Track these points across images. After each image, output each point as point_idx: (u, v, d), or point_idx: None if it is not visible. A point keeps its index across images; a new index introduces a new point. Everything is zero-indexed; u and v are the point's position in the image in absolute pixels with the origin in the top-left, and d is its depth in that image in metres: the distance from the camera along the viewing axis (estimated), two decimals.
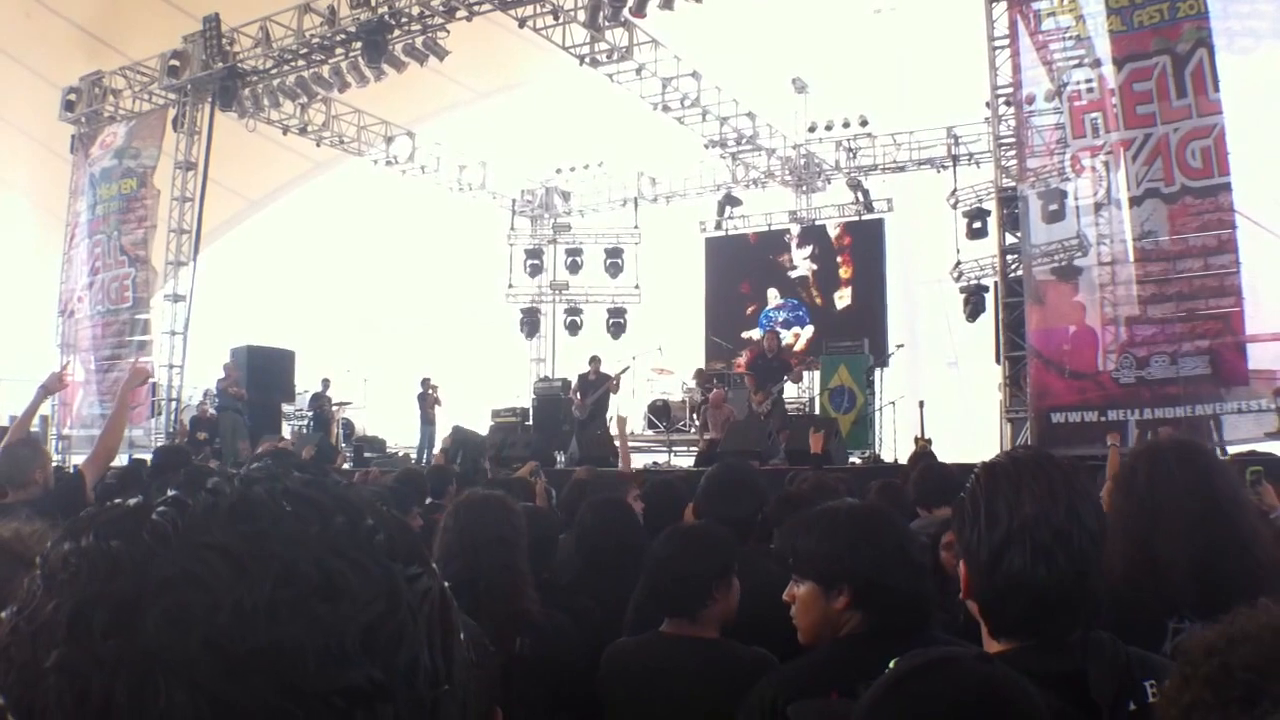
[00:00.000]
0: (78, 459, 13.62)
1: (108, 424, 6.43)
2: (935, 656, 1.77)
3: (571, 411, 18.77)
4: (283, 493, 0.79)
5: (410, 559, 0.82)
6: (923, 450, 11.87)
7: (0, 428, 11.64)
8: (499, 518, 3.65)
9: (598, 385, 18.49)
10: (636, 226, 25.17)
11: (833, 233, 23.62)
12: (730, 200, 24.22)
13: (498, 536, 3.54)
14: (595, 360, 19.38)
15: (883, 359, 19.82)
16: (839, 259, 23.54)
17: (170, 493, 0.78)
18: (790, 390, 18.50)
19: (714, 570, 3.34)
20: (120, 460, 8.92)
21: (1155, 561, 2.72)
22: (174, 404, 18.91)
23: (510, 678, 3.18)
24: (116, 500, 0.79)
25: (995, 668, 1.72)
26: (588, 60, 17.17)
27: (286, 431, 19.33)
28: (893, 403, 18.24)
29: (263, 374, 19.26)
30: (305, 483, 0.81)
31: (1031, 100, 13.78)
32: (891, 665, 1.85)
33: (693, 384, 20.98)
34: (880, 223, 22.69)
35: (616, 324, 25.37)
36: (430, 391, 20.87)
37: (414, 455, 19.66)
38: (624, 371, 18.69)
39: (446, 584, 0.87)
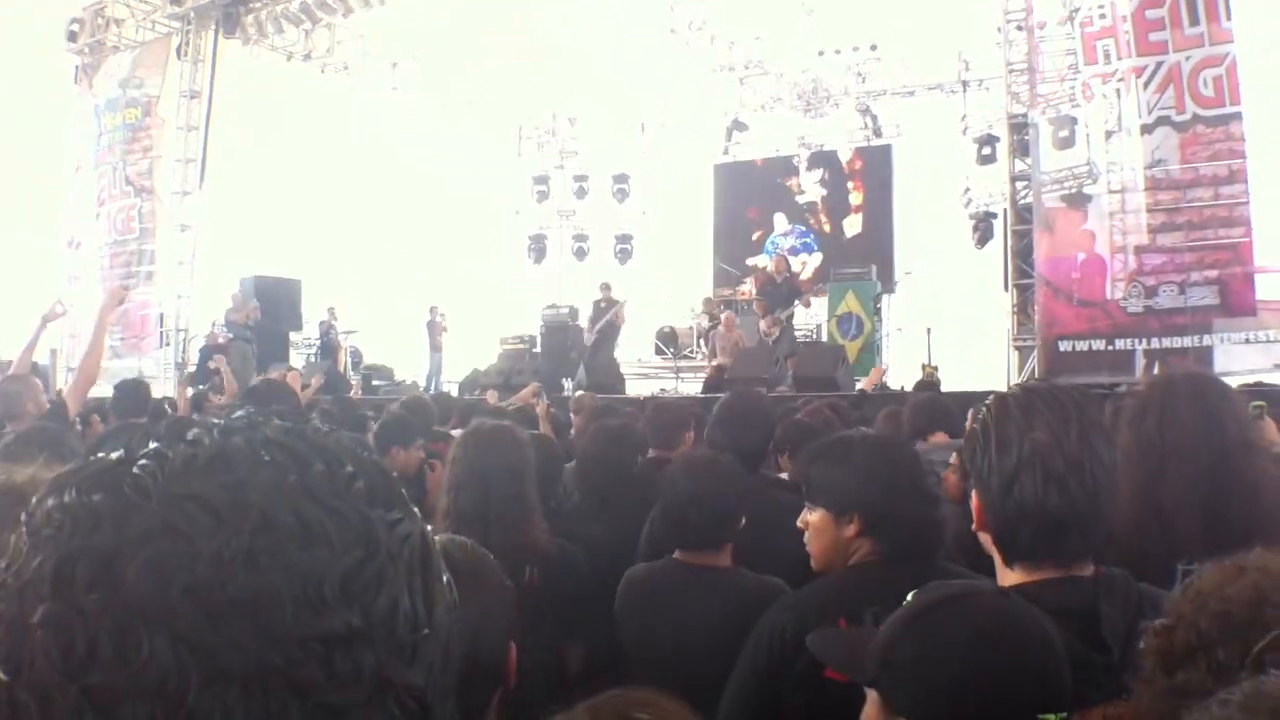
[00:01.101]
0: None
1: (87, 349, 6.48)
2: (954, 591, 1.79)
3: (580, 339, 18.79)
4: (262, 442, 0.80)
5: (390, 505, 0.83)
6: (926, 380, 11.91)
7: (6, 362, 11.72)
8: (508, 448, 3.67)
9: (606, 311, 18.53)
10: (643, 153, 25.04)
11: (844, 157, 23.49)
12: (737, 125, 24.04)
13: (506, 466, 3.57)
14: (605, 286, 19.39)
15: (890, 286, 19.79)
16: (850, 184, 23.44)
17: (151, 445, 0.79)
18: (799, 316, 18.52)
19: (732, 509, 3.37)
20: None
21: (1161, 505, 2.72)
22: (183, 334, 18.94)
23: (520, 607, 3.23)
24: (98, 454, 0.80)
25: (1014, 602, 1.75)
26: None
27: (296, 361, 19.36)
28: (899, 329, 18.25)
29: (270, 303, 19.24)
30: (284, 431, 0.83)
31: (1043, 25, 13.64)
32: (910, 598, 1.88)
33: (700, 310, 20.98)
34: (889, 149, 22.54)
35: (624, 250, 25.32)
36: (438, 319, 20.88)
37: (421, 383, 19.70)
38: (620, 306, 18.67)
39: (436, 528, 0.88)
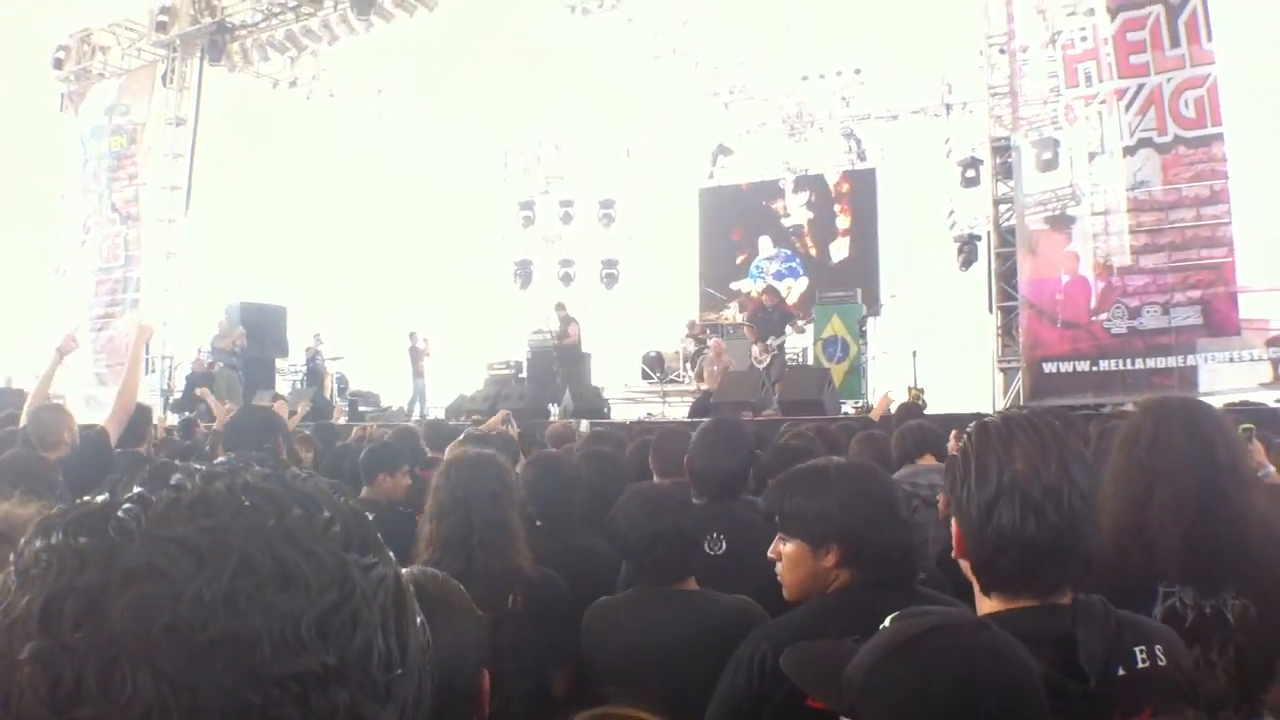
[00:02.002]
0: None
1: (124, 382, 6.49)
2: (934, 622, 1.78)
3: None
4: (242, 487, 0.82)
5: (366, 548, 0.85)
6: (910, 405, 11.92)
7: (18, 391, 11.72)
8: (491, 474, 3.69)
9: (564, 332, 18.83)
10: (628, 179, 25.12)
11: (831, 180, 23.58)
12: (722, 150, 24.13)
13: (490, 493, 3.58)
14: (560, 306, 19.62)
15: (875, 309, 19.82)
16: (837, 207, 23.52)
17: (136, 489, 0.81)
18: (787, 342, 18.62)
19: (691, 540, 3.41)
20: None
21: (1145, 528, 2.73)
22: (169, 361, 18.91)
23: (502, 633, 3.21)
24: (84, 498, 0.83)
25: (993, 634, 1.73)
26: (579, 9, 17.07)
27: (282, 387, 19.32)
28: (885, 352, 18.27)
29: (256, 330, 19.23)
30: (264, 477, 0.85)
31: (1025, 49, 13.72)
32: (886, 624, 1.86)
33: (685, 335, 21.01)
34: (873, 172, 22.63)
35: (610, 275, 25.36)
36: (420, 344, 20.88)
37: (405, 409, 19.70)
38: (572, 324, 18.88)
39: (403, 571, 0.90)
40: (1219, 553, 2.60)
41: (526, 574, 3.56)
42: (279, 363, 20.89)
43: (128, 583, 0.74)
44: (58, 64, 20.41)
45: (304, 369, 20.82)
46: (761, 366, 15.97)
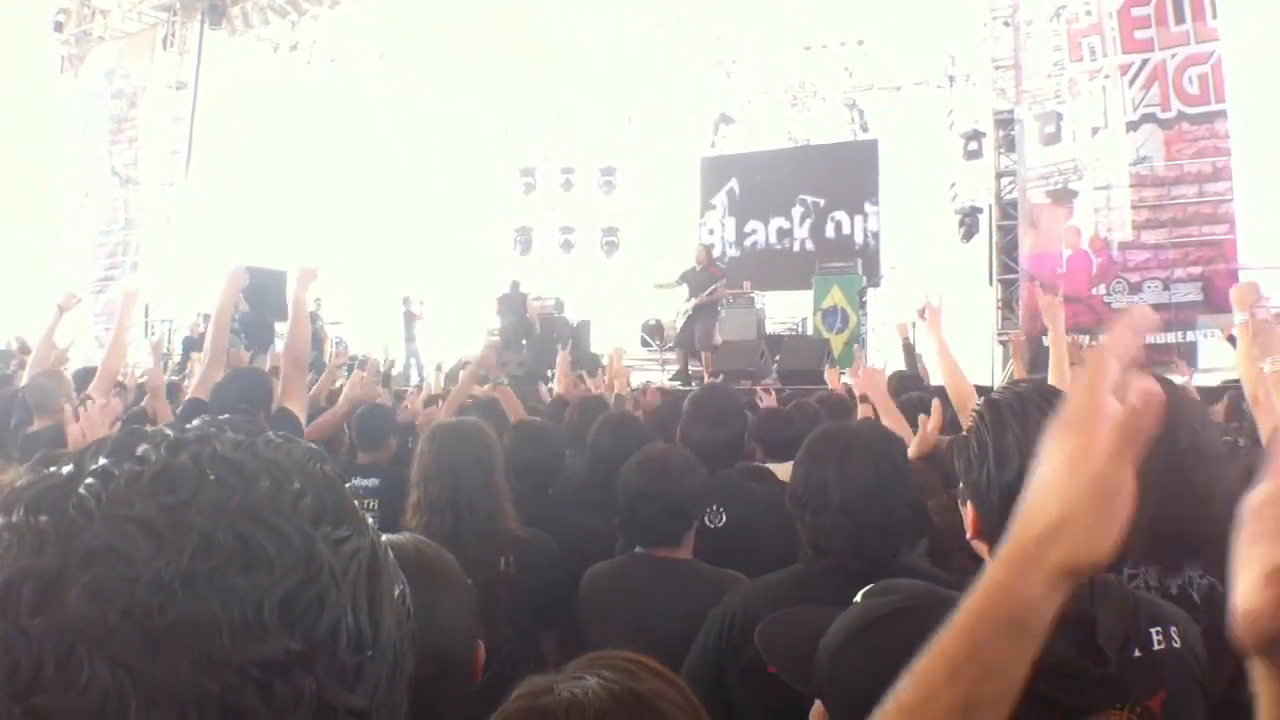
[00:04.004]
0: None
1: (109, 348, 6.50)
2: (896, 604, 1.78)
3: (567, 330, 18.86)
4: (210, 458, 0.80)
5: (339, 521, 0.83)
6: (906, 375, 11.92)
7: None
8: (475, 440, 3.70)
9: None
10: (628, 146, 25.05)
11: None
12: (724, 119, 24.05)
13: (475, 458, 3.59)
14: (515, 284, 19.75)
15: (875, 280, 19.80)
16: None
17: (101, 461, 0.79)
18: (773, 308, 18.73)
19: (690, 502, 3.39)
20: None
21: None
22: (168, 325, 18.90)
23: (496, 596, 3.21)
24: (51, 469, 0.81)
25: None
26: None
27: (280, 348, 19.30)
28: (885, 323, 18.27)
29: (256, 294, 19.13)
30: (234, 446, 0.83)
31: (1030, 22, 13.69)
32: (858, 598, 1.88)
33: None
34: (875, 144, 22.54)
35: (610, 242, 25.32)
36: (414, 309, 20.88)
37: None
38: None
39: (384, 538, 0.90)
40: (1180, 534, 2.56)
41: (517, 536, 3.58)
42: (279, 326, 20.85)
43: (85, 564, 0.72)
44: (58, 27, 20.29)
45: None
46: (684, 318, 16.20)
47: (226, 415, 0.93)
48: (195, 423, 0.87)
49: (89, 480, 0.78)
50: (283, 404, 4.70)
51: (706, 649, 2.69)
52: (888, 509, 2.59)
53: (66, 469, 0.80)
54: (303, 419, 4.71)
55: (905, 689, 1.07)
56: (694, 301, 16.25)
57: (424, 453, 3.66)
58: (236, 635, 0.73)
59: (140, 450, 0.80)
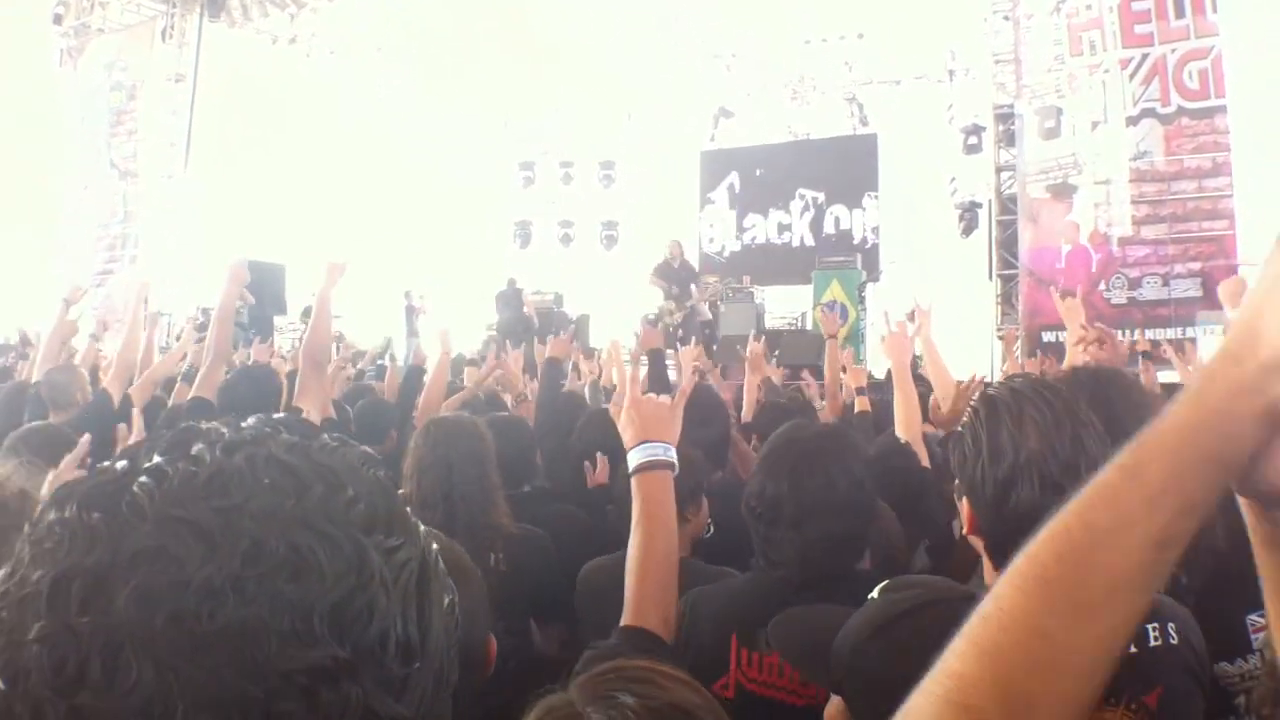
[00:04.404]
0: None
1: (125, 340, 6.49)
2: (921, 598, 1.79)
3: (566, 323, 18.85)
4: (265, 461, 0.80)
5: (391, 529, 0.83)
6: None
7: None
8: (469, 435, 3.72)
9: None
10: (628, 140, 25.03)
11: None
12: (724, 113, 24.02)
13: (468, 451, 3.61)
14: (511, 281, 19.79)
15: (875, 274, 19.79)
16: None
17: (156, 459, 0.79)
18: (771, 304, 18.71)
19: (681, 495, 3.40)
20: None
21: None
22: (167, 319, 18.86)
23: (489, 590, 3.23)
24: (106, 464, 0.82)
25: None
26: None
27: (282, 344, 19.30)
28: (885, 314, 18.25)
29: (255, 287, 19.02)
30: (289, 449, 0.83)
31: (1030, 17, 13.67)
32: (875, 594, 1.87)
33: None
34: (874, 138, 22.51)
35: (609, 236, 25.30)
36: (415, 303, 20.88)
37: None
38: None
39: (435, 547, 0.90)
40: None
41: (508, 532, 3.58)
42: (278, 320, 20.86)
43: (135, 565, 0.72)
44: (57, 19, 20.27)
45: (302, 327, 20.77)
46: (673, 324, 16.11)
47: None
48: (250, 421, 0.87)
49: (143, 479, 0.78)
50: (296, 403, 4.68)
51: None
52: (841, 523, 2.55)
53: (121, 465, 0.80)
54: (317, 419, 4.65)
55: (1091, 511, 0.96)
56: (679, 315, 16.21)
57: (418, 446, 3.67)
58: (285, 642, 0.73)
59: (195, 449, 0.80)
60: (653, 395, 2.61)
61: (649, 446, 2.45)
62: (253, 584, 0.73)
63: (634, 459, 2.48)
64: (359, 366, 9.26)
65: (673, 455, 2.48)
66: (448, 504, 3.45)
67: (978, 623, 0.95)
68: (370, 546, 0.80)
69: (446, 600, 0.89)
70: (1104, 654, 0.94)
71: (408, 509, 0.88)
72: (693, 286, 17.09)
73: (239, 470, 0.79)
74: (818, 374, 12.02)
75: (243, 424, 0.86)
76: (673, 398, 2.67)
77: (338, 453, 0.86)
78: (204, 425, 0.85)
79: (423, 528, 0.90)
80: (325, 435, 0.88)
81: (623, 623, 2.32)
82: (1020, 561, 0.97)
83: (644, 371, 6.10)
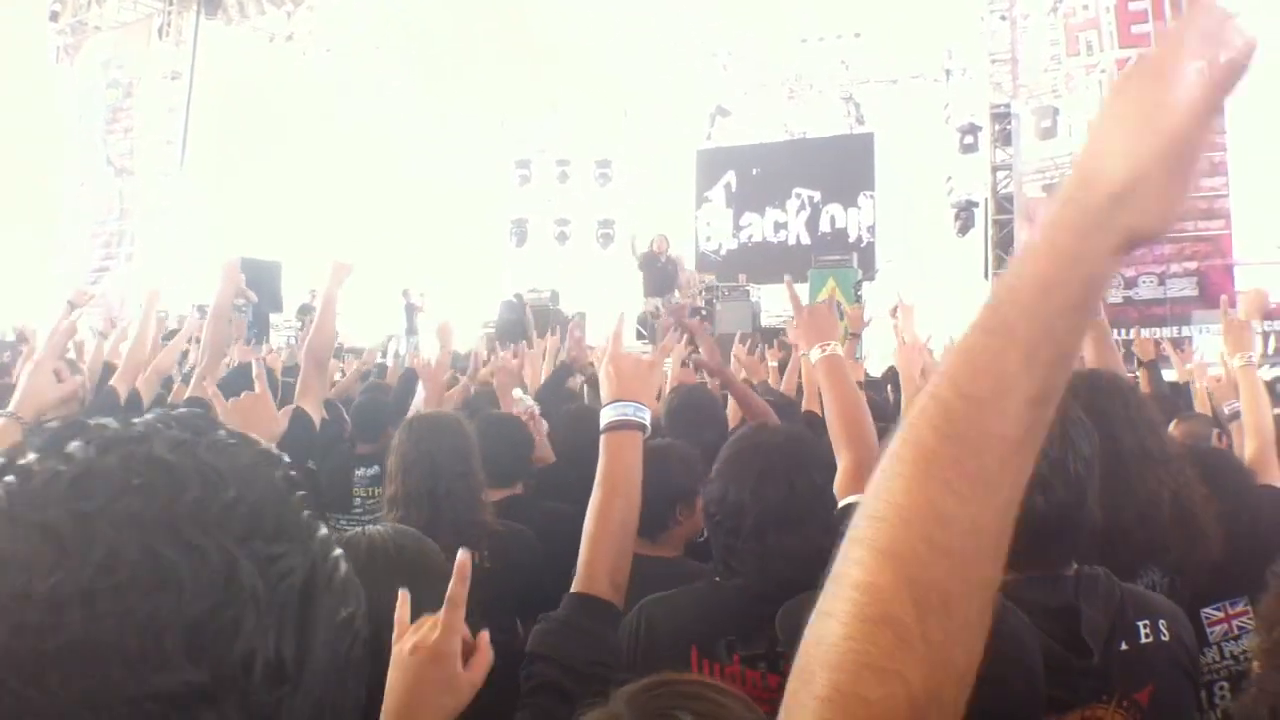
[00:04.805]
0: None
1: (133, 343, 6.46)
2: None
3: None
4: (143, 459, 0.73)
5: (276, 536, 0.76)
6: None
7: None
8: (453, 431, 3.71)
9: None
10: (624, 139, 25.03)
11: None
12: (720, 111, 24.02)
13: (453, 448, 3.59)
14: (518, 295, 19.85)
15: (871, 273, 19.79)
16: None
17: (29, 456, 0.74)
18: (768, 301, 18.72)
19: (675, 494, 3.38)
20: None
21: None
22: (163, 316, 18.85)
23: (474, 588, 3.22)
24: None
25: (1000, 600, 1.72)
26: None
27: (278, 342, 19.30)
28: (882, 311, 18.26)
29: (251, 285, 19.12)
30: (174, 446, 0.76)
31: (1027, 16, 13.68)
32: None
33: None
34: (871, 137, 22.52)
35: (606, 235, 25.29)
36: (414, 301, 20.89)
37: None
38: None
39: (335, 554, 0.82)
40: (1129, 546, 2.53)
41: (493, 529, 3.57)
42: (273, 318, 20.85)
43: None
44: (54, 16, 20.26)
45: (298, 325, 20.77)
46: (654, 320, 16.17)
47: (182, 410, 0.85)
48: (147, 417, 0.81)
49: (8, 478, 0.72)
50: (299, 402, 4.64)
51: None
52: (800, 534, 2.45)
53: None
54: (317, 419, 4.63)
55: (967, 380, 0.91)
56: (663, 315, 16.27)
57: (401, 443, 3.65)
58: (131, 664, 0.66)
59: (71, 447, 0.74)
60: (632, 352, 2.52)
61: (620, 405, 2.39)
62: (104, 597, 0.67)
63: (604, 418, 2.43)
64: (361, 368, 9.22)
65: (644, 416, 2.41)
66: (433, 500, 3.43)
67: (870, 525, 0.89)
68: (243, 556, 0.72)
69: (342, 614, 0.81)
70: (1006, 527, 0.91)
71: (305, 514, 0.80)
72: (676, 292, 17.11)
73: (108, 470, 0.72)
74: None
75: (138, 418, 0.80)
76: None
77: (229, 450, 0.79)
78: (94, 421, 0.78)
79: (323, 533, 0.82)
80: (222, 431, 0.81)
81: (573, 589, 2.26)
82: (900, 450, 0.91)
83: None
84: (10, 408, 3.07)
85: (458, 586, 1.76)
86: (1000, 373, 0.89)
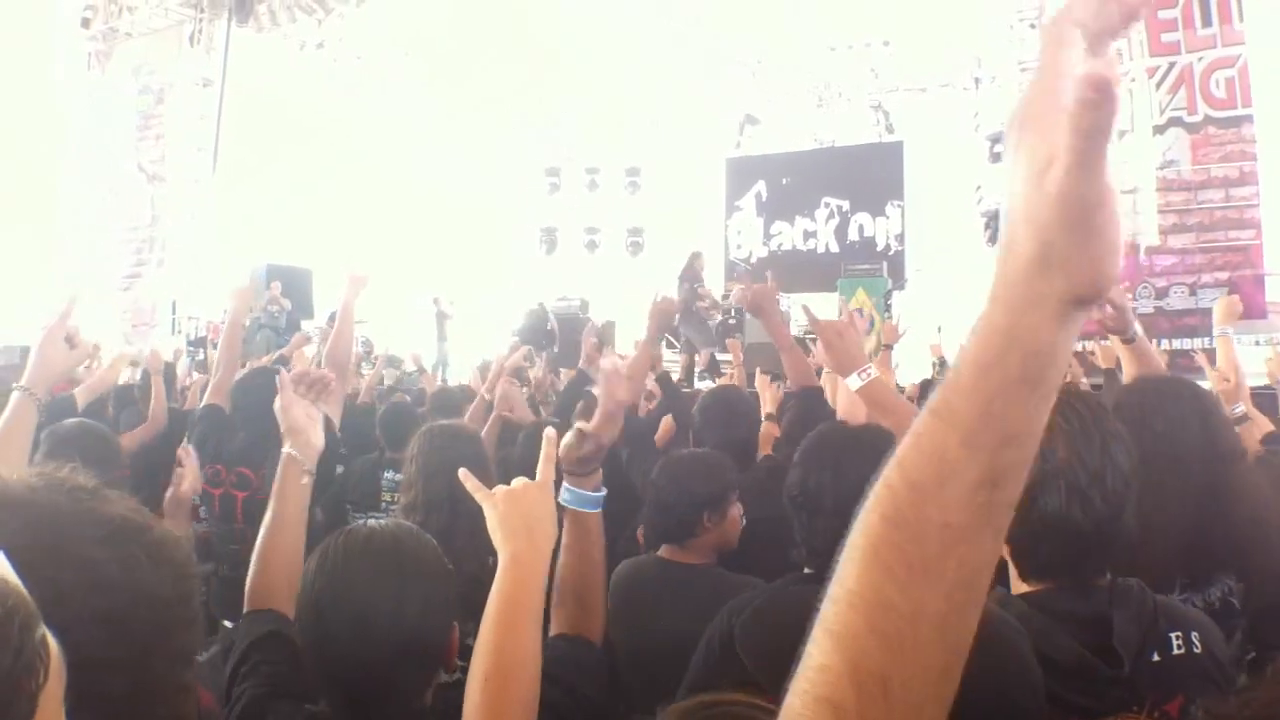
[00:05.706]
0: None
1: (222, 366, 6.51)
2: None
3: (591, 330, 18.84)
4: None
5: None
6: (935, 381, 11.90)
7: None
8: (470, 440, 3.87)
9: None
10: (654, 146, 25.05)
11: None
12: (749, 120, 24.02)
13: (472, 455, 3.60)
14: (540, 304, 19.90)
15: (901, 283, 19.75)
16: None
17: None
18: (797, 313, 18.65)
19: (702, 501, 3.43)
20: None
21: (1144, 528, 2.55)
22: (195, 323, 19.00)
23: (483, 591, 3.26)
24: None
25: (990, 615, 1.73)
26: None
27: (308, 350, 19.39)
28: (911, 326, 18.22)
29: (284, 292, 19.29)
30: None
31: None
32: None
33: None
34: (900, 145, 22.46)
35: (635, 243, 25.31)
36: (444, 309, 20.95)
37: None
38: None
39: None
40: (1213, 552, 2.52)
41: None
42: (304, 325, 20.95)
43: None
44: (85, 23, 20.40)
45: (329, 330, 20.84)
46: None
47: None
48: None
49: None
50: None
51: (696, 669, 2.69)
52: None
53: None
54: (336, 424, 4.73)
55: (912, 465, 0.89)
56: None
57: (421, 452, 3.74)
58: None
59: None
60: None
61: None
62: None
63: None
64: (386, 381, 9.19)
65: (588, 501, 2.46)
66: (452, 505, 3.48)
67: (828, 607, 0.89)
68: None
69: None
70: (954, 615, 0.87)
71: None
72: (697, 289, 17.23)
73: None
74: None
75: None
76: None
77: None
78: None
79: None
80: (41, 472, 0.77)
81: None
82: (853, 536, 0.90)
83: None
84: (24, 381, 3.09)
85: (550, 450, 2.24)
86: (941, 458, 0.87)
